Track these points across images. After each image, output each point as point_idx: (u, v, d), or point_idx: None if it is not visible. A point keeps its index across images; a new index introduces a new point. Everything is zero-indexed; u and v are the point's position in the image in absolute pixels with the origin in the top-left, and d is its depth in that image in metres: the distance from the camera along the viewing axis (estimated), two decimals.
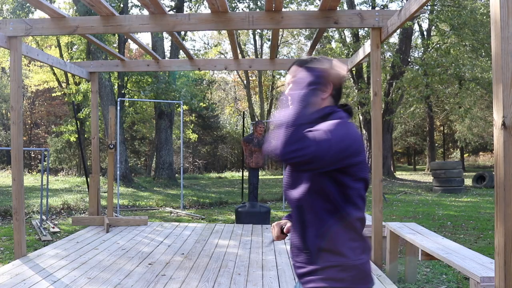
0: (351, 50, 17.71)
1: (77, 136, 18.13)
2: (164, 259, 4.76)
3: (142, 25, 4.62)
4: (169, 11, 9.73)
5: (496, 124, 1.99)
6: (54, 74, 21.62)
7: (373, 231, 4.47)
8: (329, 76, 1.48)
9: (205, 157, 31.09)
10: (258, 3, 17.03)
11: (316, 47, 7.94)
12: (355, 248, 1.44)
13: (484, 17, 17.37)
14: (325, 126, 1.37)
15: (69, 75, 20.15)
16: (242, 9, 17.80)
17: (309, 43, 19.85)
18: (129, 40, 14.47)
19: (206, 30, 22.29)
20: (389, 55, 20.52)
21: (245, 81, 29.05)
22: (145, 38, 54.19)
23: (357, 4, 19.62)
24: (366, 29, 15.29)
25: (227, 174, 23.76)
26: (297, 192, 1.48)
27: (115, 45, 16.48)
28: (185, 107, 17.41)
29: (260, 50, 26.75)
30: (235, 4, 17.35)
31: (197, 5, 17.99)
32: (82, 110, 17.69)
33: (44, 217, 7.74)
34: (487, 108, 23.84)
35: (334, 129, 1.35)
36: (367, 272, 1.45)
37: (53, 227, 7.10)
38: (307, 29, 18.81)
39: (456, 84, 21.19)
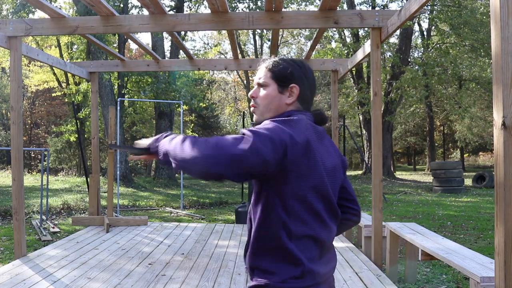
0: (351, 50, 17.72)
1: (77, 136, 18.10)
2: (164, 259, 4.76)
3: (142, 25, 4.62)
4: (169, 11, 9.73)
5: (496, 124, 1.99)
6: (54, 74, 21.60)
7: (373, 231, 4.48)
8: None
9: None
10: (258, 3, 17.04)
11: (316, 47, 7.94)
12: (288, 270, 1.28)
13: (484, 17, 17.38)
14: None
15: (69, 75, 20.14)
16: (242, 9, 17.81)
17: (309, 43, 19.87)
18: (129, 40, 14.47)
19: (206, 30, 22.32)
20: (389, 55, 20.52)
21: (245, 81, 29.04)
22: (145, 38, 54.23)
23: (357, 4, 19.63)
24: (366, 29, 15.28)
25: None
26: (252, 201, 1.39)
27: (115, 45, 16.48)
28: (185, 107, 17.39)
29: (260, 50, 26.74)
30: (235, 4, 17.36)
31: (197, 5, 18.00)
32: (82, 110, 17.69)
33: (44, 217, 7.74)
34: (487, 108, 23.84)
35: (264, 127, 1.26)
36: None
37: (53, 227, 7.10)
38: (307, 29, 18.81)
39: (456, 84, 21.20)
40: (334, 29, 18.02)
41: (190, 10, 18.30)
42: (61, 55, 20.06)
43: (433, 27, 20.75)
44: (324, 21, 4.45)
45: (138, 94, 16.43)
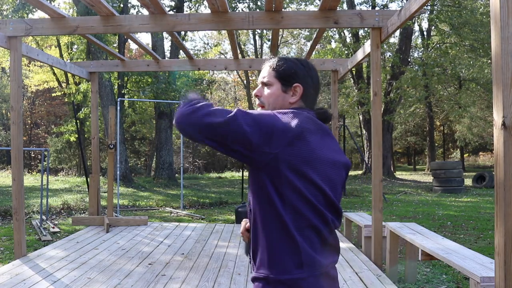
0: (351, 50, 17.73)
1: (77, 136, 18.12)
2: (164, 259, 4.76)
3: (142, 25, 4.63)
4: (169, 11, 9.72)
5: (496, 124, 1.99)
6: (54, 74, 21.61)
7: (373, 231, 4.48)
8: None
9: (205, 157, 31.06)
10: (258, 3, 17.04)
11: (316, 47, 7.95)
12: (286, 261, 1.27)
13: (484, 17, 17.38)
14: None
15: (69, 75, 20.14)
16: (242, 9, 17.80)
17: (309, 44, 19.86)
18: (129, 40, 14.47)
19: (206, 30, 22.32)
20: (389, 55, 20.53)
21: (245, 81, 29.05)
22: (145, 38, 54.20)
23: (357, 4, 19.63)
24: (366, 29, 15.29)
25: (227, 174, 23.76)
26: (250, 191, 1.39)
27: (115, 45, 16.48)
28: None
29: (260, 50, 26.73)
30: (235, 4, 17.36)
31: (197, 5, 18.00)
32: (82, 110, 17.68)
33: (44, 217, 7.74)
34: (487, 108, 23.83)
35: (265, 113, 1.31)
36: None
37: (53, 227, 7.10)
38: (307, 30, 18.82)
39: (456, 84, 21.20)
40: (334, 29, 18.02)
41: (190, 10, 18.30)
42: (61, 55, 20.06)
43: (433, 27, 20.75)
44: (324, 21, 4.46)
45: (138, 94, 16.43)
